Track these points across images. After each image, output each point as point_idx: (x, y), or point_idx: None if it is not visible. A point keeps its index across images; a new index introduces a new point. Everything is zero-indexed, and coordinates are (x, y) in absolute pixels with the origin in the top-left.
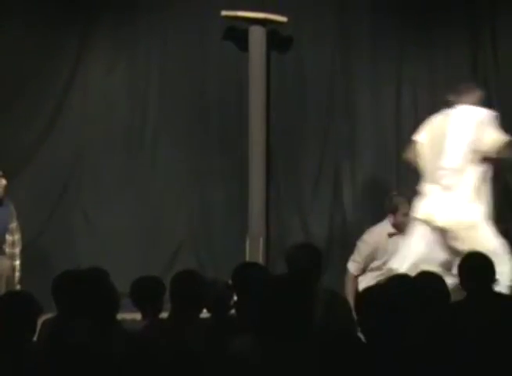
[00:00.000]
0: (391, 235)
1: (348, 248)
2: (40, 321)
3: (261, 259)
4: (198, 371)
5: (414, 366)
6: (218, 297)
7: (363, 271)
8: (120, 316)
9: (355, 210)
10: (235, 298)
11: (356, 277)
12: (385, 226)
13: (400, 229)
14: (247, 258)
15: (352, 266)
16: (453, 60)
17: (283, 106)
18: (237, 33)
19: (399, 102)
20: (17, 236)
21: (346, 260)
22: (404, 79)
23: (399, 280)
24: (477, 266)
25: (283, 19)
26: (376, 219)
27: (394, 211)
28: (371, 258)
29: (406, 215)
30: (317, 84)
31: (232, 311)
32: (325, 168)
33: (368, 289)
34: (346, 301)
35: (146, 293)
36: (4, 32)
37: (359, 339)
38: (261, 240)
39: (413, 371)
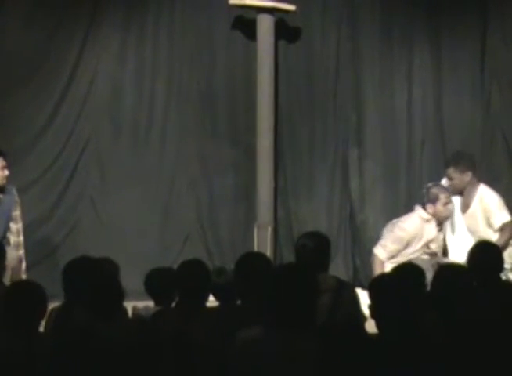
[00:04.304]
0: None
1: (356, 237)
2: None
3: (269, 248)
4: (202, 361)
5: (424, 354)
6: (225, 285)
7: (392, 257)
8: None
9: (362, 199)
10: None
11: (383, 263)
12: (420, 214)
13: (439, 218)
14: (256, 247)
15: (382, 252)
16: (463, 48)
17: (291, 94)
18: (245, 22)
19: (408, 91)
20: (20, 225)
21: (354, 248)
22: (413, 68)
23: (411, 269)
24: (487, 256)
25: (291, 7)
26: (384, 208)
27: (434, 200)
28: (406, 245)
29: (446, 204)
30: (325, 73)
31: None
32: (333, 157)
33: (380, 276)
34: (354, 290)
35: (159, 284)
36: (12, 17)
37: (363, 329)
38: (270, 229)
39: (422, 359)
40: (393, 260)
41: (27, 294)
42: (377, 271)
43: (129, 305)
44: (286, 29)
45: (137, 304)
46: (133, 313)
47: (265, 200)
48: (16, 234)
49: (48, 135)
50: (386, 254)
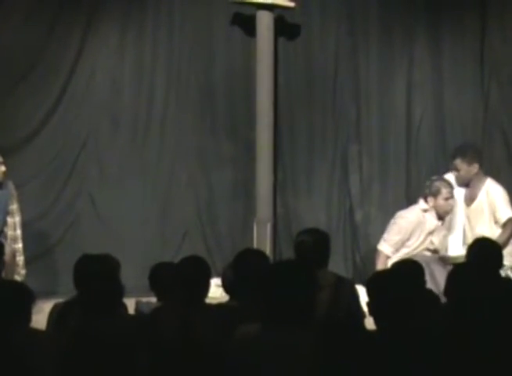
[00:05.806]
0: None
1: (355, 233)
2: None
3: (268, 244)
4: (201, 356)
5: (420, 350)
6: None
7: (397, 250)
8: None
9: (362, 194)
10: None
11: (387, 259)
12: (420, 205)
13: (439, 212)
14: (255, 243)
15: (386, 247)
16: (462, 44)
17: (290, 91)
18: (244, 18)
19: (407, 87)
20: (18, 218)
21: (353, 244)
22: (412, 64)
23: (410, 265)
24: (486, 252)
25: (290, 4)
26: (384, 204)
27: (435, 194)
28: (409, 235)
29: (448, 199)
30: (324, 70)
31: None
32: (332, 153)
33: (378, 273)
34: (353, 286)
35: (164, 278)
36: (11, 13)
37: (363, 326)
38: (269, 226)
39: (420, 356)
40: (398, 254)
41: (9, 295)
42: (380, 268)
43: (128, 301)
44: (285, 25)
45: (137, 300)
46: (136, 308)
47: (264, 195)
48: (12, 228)
49: (47, 131)
50: (391, 248)
